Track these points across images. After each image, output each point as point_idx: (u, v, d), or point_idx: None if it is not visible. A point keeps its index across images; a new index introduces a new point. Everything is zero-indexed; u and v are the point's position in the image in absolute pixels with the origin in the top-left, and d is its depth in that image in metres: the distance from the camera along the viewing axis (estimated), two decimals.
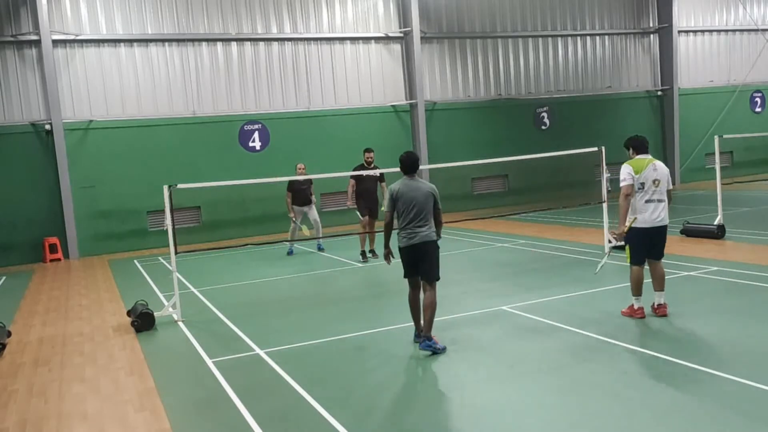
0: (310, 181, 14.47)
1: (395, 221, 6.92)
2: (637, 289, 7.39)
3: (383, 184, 13.12)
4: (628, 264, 7.51)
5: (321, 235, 14.56)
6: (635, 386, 5.43)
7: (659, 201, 7.37)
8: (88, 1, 17.90)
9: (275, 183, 15.36)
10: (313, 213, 14.60)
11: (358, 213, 13.18)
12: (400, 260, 7.04)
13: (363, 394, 5.78)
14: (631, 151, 7.60)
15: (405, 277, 7.07)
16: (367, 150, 13.13)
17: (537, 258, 11.85)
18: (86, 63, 17.97)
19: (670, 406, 5.00)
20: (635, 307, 7.42)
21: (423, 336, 6.70)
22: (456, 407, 5.32)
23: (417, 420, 5.11)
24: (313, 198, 14.71)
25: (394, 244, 6.96)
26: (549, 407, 5.19)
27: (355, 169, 12.95)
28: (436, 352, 6.59)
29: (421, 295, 6.91)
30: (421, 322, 6.83)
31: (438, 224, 6.99)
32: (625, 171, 7.39)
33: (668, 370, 5.74)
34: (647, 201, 7.31)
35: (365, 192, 13.07)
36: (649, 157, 7.51)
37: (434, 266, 6.86)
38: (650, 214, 7.29)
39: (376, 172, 12.89)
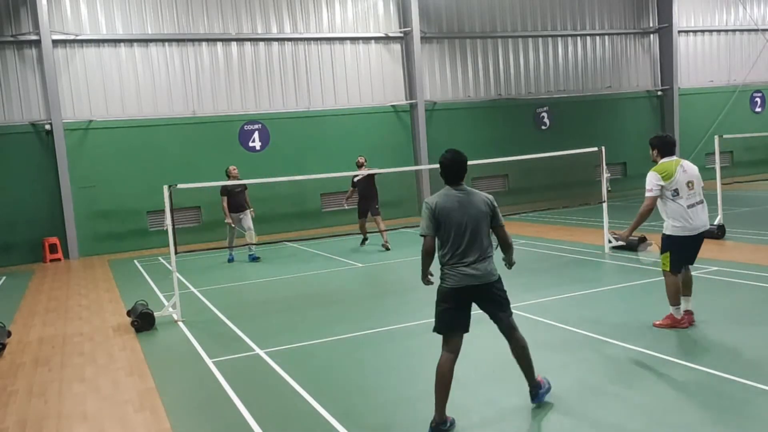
0: (244, 186, 13.87)
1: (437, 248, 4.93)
2: (677, 298, 6.85)
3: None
4: (665, 271, 6.91)
5: (254, 243, 13.92)
6: (634, 385, 5.44)
7: (699, 203, 6.82)
8: (88, 1, 17.90)
9: (275, 183, 15.36)
10: (248, 220, 13.91)
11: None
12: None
13: (363, 394, 5.78)
14: (655, 152, 6.91)
15: (441, 332, 4.90)
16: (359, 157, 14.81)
17: (537, 258, 11.85)
18: (86, 63, 17.97)
19: (652, 398, 5.00)
20: (677, 316, 6.87)
21: (534, 387, 5.16)
22: (456, 407, 5.31)
23: (417, 420, 5.10)
24: (249, 204, 14.02)
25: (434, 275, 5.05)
26: (549, 407, 5.19)
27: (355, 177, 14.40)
28: (549, 392, 5.28)
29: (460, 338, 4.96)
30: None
31: (507, 247, 5.15)
32: (653, 180, 6.72)
33: (656, 364, 5.75)
34: (690, 206, 6.71)
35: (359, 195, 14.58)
36: (675, 158, 6.85)
37: (506, 301, 5.02)
38: (694, 220, 6.73)
39: (364, 172, 14.10)
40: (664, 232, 6.91)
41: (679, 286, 6.88)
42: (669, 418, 4.80)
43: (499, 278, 4.96)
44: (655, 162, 6.94)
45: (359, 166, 14.48)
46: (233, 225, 13.82)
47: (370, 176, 14.35)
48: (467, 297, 4.84)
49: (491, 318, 5.02)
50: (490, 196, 4.97)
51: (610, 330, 6.99)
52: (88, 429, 5.54)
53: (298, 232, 18.86)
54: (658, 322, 6.99)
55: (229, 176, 13.71)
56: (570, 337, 6.94)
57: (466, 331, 4.92)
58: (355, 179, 14.45)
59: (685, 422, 4.73)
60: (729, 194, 13.75)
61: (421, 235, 4.85)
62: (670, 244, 6.84)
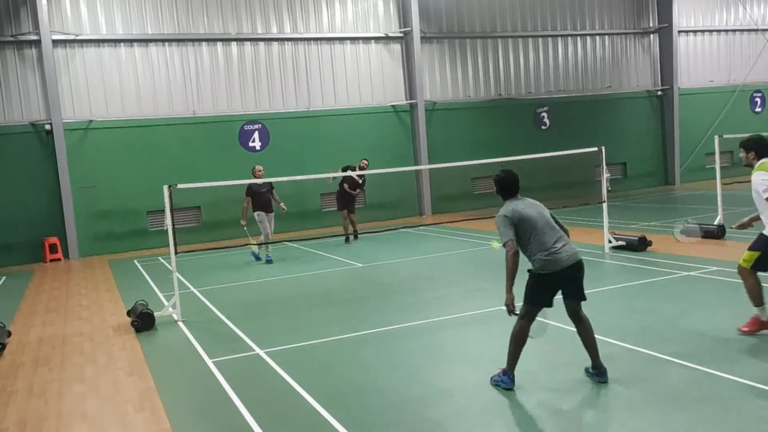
0: (270, 186, 13.69)
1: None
2: (760, 297, 6.49)
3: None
4: (743, 270, 6.62)
5: (268, 247, 13.77)
6: (632, 385, 5.44)
7: None
8: (88, 1, 17.90)
9: (275, 183, 15.34)
10: (272, 222, 13.83)
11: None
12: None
13: (363, 394, 5.78)
14: (751, 154, 6.74)
15: (530, 308, 5.61)
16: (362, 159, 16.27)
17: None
18: (86, 63, 17.97)
19: (653, 397, 5.01)
20: (763, 317, 6.49)
21: (598, 371, 5.61)
22: (456, 407, 5.31)
23: (417, 420, 5.11)
24: (277, 202, 13.89)
25: (521, 272, 5.56)
26: (548, 407, 5.19)
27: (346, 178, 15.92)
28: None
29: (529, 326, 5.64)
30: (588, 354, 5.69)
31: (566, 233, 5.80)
32: (766, 180, 6.54)
33: (656, 364, 5.75)
34: None
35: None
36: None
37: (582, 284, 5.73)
38: None
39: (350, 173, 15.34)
40: (764, 231, 6.71)
41: (760, 284, 6.57)
42: (668, 416, 4.80)
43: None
44: (751, 165, 6.78)
45: (362, 168, 15.61)
46: (245, 227, 13.56)
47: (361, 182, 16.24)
48: (564, 276, 5.50)
49: (550, 303, 5.61)
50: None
51: (609, 330, 6.98)
52: (88, 429, 5.54)
53: (298, 232, 18.86)
54: (744, 328, 6.58)
55: (254, 176, 13.55)
56: (570, 337, 6.93)
57: (551, 304, 5.64)
58: (361, 180, 15.96)
59: (681, 420, 4.73)
60: (729, 194, 13.73)
61: (501, 245, 5.56)
62: (765, 243, 6.59)
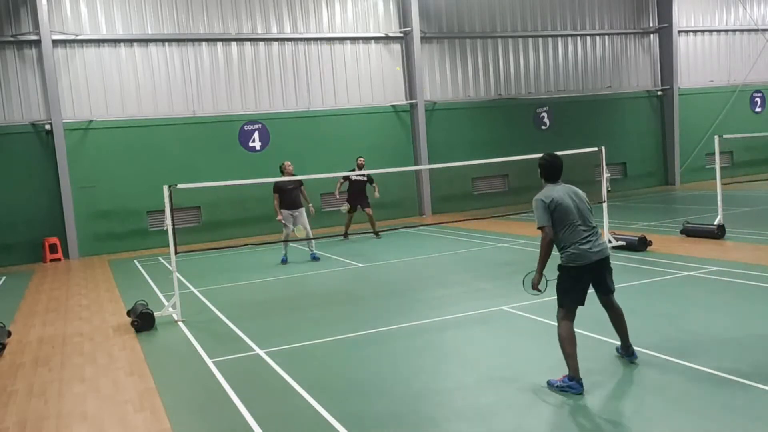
0: (299, 182, 13.16)
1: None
2: None
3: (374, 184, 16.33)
4: None
5: (313, 242, 13.59)
6: (632, 385, 5.43)
7: None
8: (88, 1, 17.91)
9: (282, 181, 15.30)
10: (302, 218, 13.28)
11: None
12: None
13: (363, 394, 5.78)
14: None
15: (569, 306, 5.60)
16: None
17: (537, 258, 11.83)
18: (86, 63, 17.98)
19: (653, 397, 5.01)
20: None
21: (627, 351, 5.98)
22: (456, 407, 5.32)
23: (416, 420, 5.11)
24: (306, 201, 13.45)
25: (551, 267, 5.71)
26: (547, 407, 5.19)
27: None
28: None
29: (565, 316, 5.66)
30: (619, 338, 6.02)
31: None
32: None
33: (656, 364, 5.75)
34: None
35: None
36: None
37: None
38: None
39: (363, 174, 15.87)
40: None
41: None
42: (668, 416, 4.80)
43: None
44: None
45: (360, 167, 16.13)
46: (284, 222, 13.13)
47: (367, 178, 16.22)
48: (595, 270, 5.63)
49: (598, 291, 5.82)
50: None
51: (609, 330, 6.94)
52: (88, 429, 5.54)
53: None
54: None
55: (283, 172, 13.15)
56: None
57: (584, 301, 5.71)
58: (353, 176, 15.94)
59: (682, 420, 4.73)
60: (729, 194, 13.75)
61: (541, 228, 5.61)
62: None
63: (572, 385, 5.37)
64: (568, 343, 5.50)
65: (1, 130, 17.24)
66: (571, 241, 5.55)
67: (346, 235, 16.30)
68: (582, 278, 5.60)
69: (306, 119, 20.10)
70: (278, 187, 13.06)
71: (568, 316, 5.59)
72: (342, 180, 16.26)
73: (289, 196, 13.14)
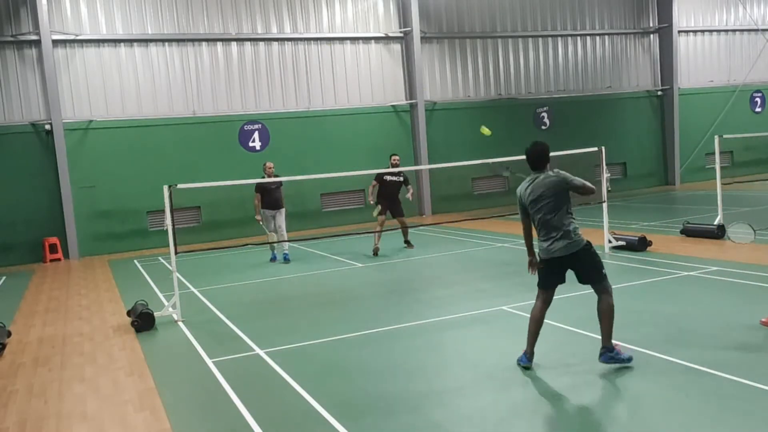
0: (280, 183, 13.20)
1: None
2: None
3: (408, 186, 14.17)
4: None
5: (286, 244, 13.60)
6: (633, 384, 5.45)
7: None
8: (88, 1, 17.91)
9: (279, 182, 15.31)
10: (280, 219, 13.45)
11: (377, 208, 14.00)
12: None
13: (363, 394, 5.78)
14: None
15: (539, 287, 6.00)
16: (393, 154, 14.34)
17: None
18: (86, 63, 17.98)
19: (652, 397, 5.01)
20: None
21: (603, 347, 5.77)
22: (456, 407, 5.31)
23: (416, 420, 5.10)
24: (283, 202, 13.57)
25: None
26: (548, 408, 5.19)
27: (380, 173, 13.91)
28: (622, 363, 5.73)
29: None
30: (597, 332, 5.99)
31: (588, 191, 5.76)
32: None
33: (656, 364, 5.76)
34: None
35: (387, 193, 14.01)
36: None
37: (595, 266, 5.77)
38: None
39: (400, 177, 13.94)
40: None
41: None
42: (669, 416, 4.80)
43: (587, 247, 5.79)
44: None
45: (394, 166, 13.84)
46: (261, 223, 13.35)
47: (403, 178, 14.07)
48: (556, 264, 5.80)
49: (557, 283, 5.97)
50: (563, 173, 5.81)
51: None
52: (88, 429, 5.54)
53: (298, 232, 18.85)
54: (764, 320, 6.60)
55: (264, 173, 13.28)
56: (570, 337, 6.94)
57: (555, 287, 5.99)
58: (387, 177, 13.89)
59: (682, 420, 4.73)
60: (729, 194, 13.75)
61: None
62: None
63: (521, 358, 5.90)
64: (530, 321, 5.87)
65: (1, 130, 17.24)
66: (538, 234, 5.81)
67: (376, 252, 13.60)
68: (549, 268, 5.80)
69: (306, 119, 20.10)
70: (261, 188, 13.22)
71: (539, 297, 5.93)
72: (375, 182, 14.12)
73: (271, 196, 13.34)
